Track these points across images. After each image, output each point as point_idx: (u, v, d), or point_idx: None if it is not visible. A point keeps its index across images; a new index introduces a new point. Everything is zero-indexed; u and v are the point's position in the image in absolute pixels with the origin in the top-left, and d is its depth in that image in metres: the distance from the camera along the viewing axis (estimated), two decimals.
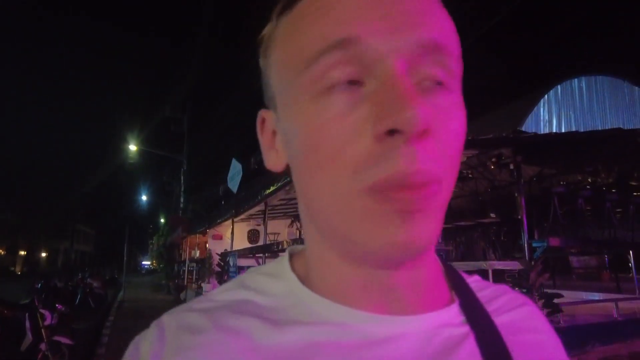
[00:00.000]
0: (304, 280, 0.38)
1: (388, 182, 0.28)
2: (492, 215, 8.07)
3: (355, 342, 0.32)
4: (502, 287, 0.43)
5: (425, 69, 0.30)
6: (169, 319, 0.37)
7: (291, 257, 0.42)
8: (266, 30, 0.37)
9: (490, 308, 0.38)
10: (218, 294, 0.39)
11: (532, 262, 4.64)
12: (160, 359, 0.33)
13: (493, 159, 5.18)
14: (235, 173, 9.43)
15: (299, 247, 0.43)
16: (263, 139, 0.40)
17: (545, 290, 4.57)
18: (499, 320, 0.36)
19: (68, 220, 45.58)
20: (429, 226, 0.30)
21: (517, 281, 4.75)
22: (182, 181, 22.25)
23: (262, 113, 0.40)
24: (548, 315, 4.37)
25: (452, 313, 0.36)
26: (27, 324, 4.92)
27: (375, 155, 0.28)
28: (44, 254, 42.09)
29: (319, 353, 0.32)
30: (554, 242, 4.78)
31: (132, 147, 21.43)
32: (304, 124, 0.31)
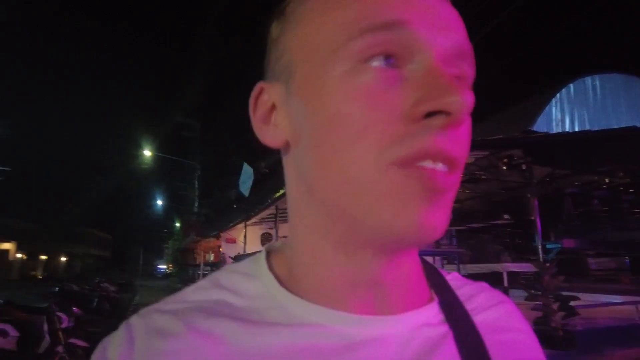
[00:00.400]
0: (282, 280, 0.36)
1: (421, 154, 0.28)
2: (506, 216, 7.96)
3: (335, 345, 0.32)
4: (481, 285, 0.42)
5: (451, 68, 0.31)
6: (137, 321, 0.35)
7: (269, 255, 0.40)
8: (290, 1, 0.36)
9: (469, 306, 0.37)
10: (190, 293, 0.38)
11: (547, 264, 4.57)
12: None
13: (504, 160, 5.12)
14: (246, 177, 9.51)
15: (277, 244, 0.42)
16: (258, 112, 0.37)
17: (561, 292, 4.49)
18: (478, 318, 0.36)
19: (85, 226, 46.52)
20: (448, 213, 0.30)
21: (531, 283, 4.68)
22: (195, 185, 22.49)
23: (260, 85, 0.37)
24: (563, 318, 4.30)
25: (432, 312, 0.36)
26: (45, 327, 5.05)
27: (409, 133, 0.29)
28: (63, 259, 42.94)
29: (298, 357, 0.31)
30: (569, 243, 4.71)
31: (147, 153, 21.79)
32: (335, 98, 0.30)
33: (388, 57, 0.30)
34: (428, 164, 0.29)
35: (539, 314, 4.38)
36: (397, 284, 0.35)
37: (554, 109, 10.34)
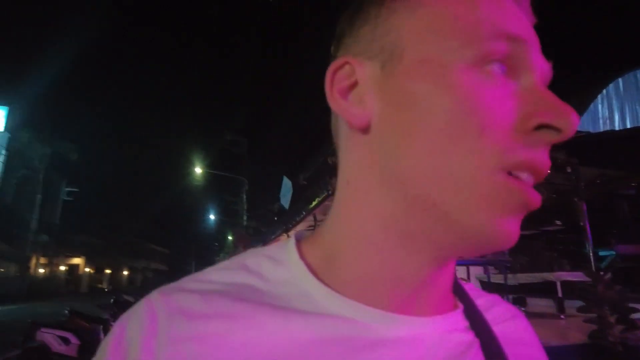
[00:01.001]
0: (313, 268, 0.35)
1: (524, 164, 0.29)
2: (557, 222, 7.49)
3: (365, 340, 0.31)
4: (494, 297, 0.43)
5: None
6: (161, 300, 0.33)
7: (298, 242, 0.38)
8: None
9: (487, 316, 0.37)
10: (215, 273, 0.36)
11: (600, 273, 4.25)
12: (154, 347, 0.30)
13: None
14: (286, 190, 9.72)
15: (307, 232, 0.41)
16: (336, 85, 0.35)
17: (620, 304, 4.15)
18: (496, 329, 0.36)
19: (145, 241, 49.38)
20: None
21: (583, 294, 4.35)
22: (244, 200, 23.18)
23: (345, 59, 0.35)
24: (622, 332, 3.95)
25: (459, 318, 0.35)
26: (102, 335, 5.44)
27: (519, 143, 0.29)
28: (125, 272, 45.76)
29: (327, 349, 0.30)
30: (624, 249, 4.35)
31: (198, 170, 22.84)
32: (460, 90, 0.30)
33: (503, 67, 0.31)
34: (524, 175, 0.30)
35: (594, 326, 4.07)
36: (439, 287, 0.35)
37: (599, 106, 9.62)
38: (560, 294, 7.24)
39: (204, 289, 0.34)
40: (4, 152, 22.32)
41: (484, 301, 0.40)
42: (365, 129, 0.34)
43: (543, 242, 8.36)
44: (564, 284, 6.94)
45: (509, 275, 8.77)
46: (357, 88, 0.35)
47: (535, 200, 0.30)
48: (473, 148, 0.29)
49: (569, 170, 4.65)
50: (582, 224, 4.53)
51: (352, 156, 0.36)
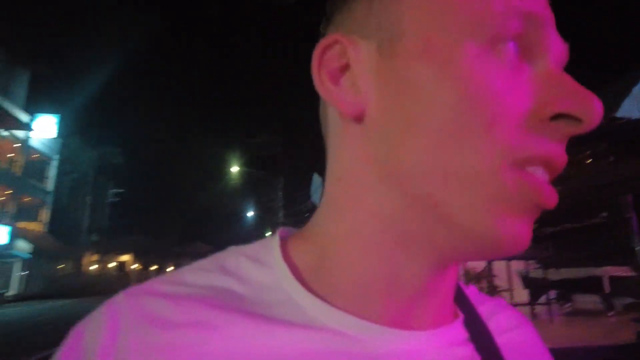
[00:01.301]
0: (300, 271, 0.31)
1: (537, 158, 0.26)
2: (603, 214, 7.10)
3: (356, 356, 0.28)
4: (499, 302, 0.39)
5: None
6: (126, 303, 0.30)
7: (284, 241, 0.34)
8: None
9: (491, 326, 0.34)
10: (190, 274, 0.32)
11: None
12: (113, 356, 0.27)
13: (587, 153, 4.63)
14: (317, 187, 9.81)
15: (293, 229, 0.37)
16: (325, 68, 0.31)
17: None
18: (500, 340, 0.34)
19: (189, 239, 51.41)
20: None
21: (632, 290, 4.12)
22: (280, 197, 23.58)
23: (335, 37, 0.31)
24: None
25: (458, 330, 0.32)
26: None
27: (532, 134, 0.26)
28: (171, 268, 47.71)
29: None
30: None
31: (236, 169, 23.48)
32: (470, 76, 0.26)
33: (516, 47, 0.27)
34: (538, 171, 0.27)
35: None
36: (438, 296, 0.32)
37: None
38: (607, 290, 6.84)
39: (176, 292, 0.30)
40: (57, 157, 23.90)
41: (487, 308, 0.37)
42: (359, 119, 0.30)
43: (588, 236, 7.95)
44: (611, 279, 6.57)
45: (552, 270, 8.38)
46: (350, 71, 0.30)
47: (551, 198, 0.27)
48: (482, 142, 0.26)
49: (611, 159, 4.40)
50: (628, 216, 4.28)
51: (344, 150, 0.32)
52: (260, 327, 0.28)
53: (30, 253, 20.53)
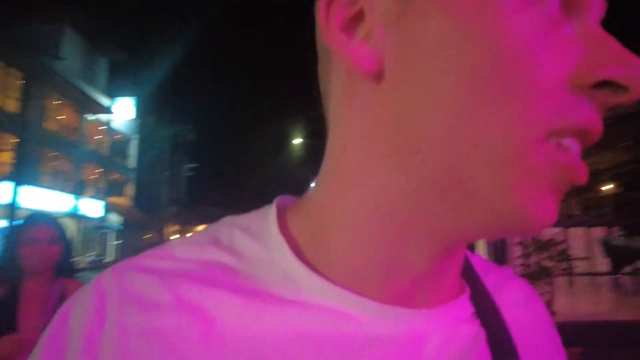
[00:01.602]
0: (298, 244, 0.29)
1: (572, 129, 0.23)
2: None
3: (356, 337, 0.26)
4: (505, 274, 0.37)
5: None
6: (112, 282, 0.28)
7: (280, 212, 0.32)
8: None
9: (497, 299, 0.33)
10: (181, 247, 0.31)
11: None
12: (99, 341, 0.26)
13: None
14: None
15: (292, 198, 0.34)
16: (334, 17, 0.27)
17: None
18: (508, 315, 0.32)
19: (257, 208, 53.79)
20: None
21: None
22: None
23: None
24: None
25: (464, 306, 0.30)
26: None
27: (570, 102, 0.23)
28: None
29: (312, 346, 0.26)
30: None
31: (299, 141, 23.97)
32: (499, 30, 0.23)
33: (563, 6, 0.24)
34: (572, 144, 0.24)
35: None
36: (447, 273, 0.30)
37: None
38: None
39: (166, 267, 0.29)
40: (136, 137, 25.99)
41: (494, 279, 0.35)
42: (373, 75, 0.26)
43: None
44: None
45: (638, 238, 7.55)
46: (363, 21, 0.26)
47: (583, 175, 0.24)
48: (514, 111, 0.22)
49: None
50: None
51: (351, 112, 0.28)
52: (252, 307, 0.27)
53: (121, 224, 23.03)
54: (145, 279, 0.28)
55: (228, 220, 0.33)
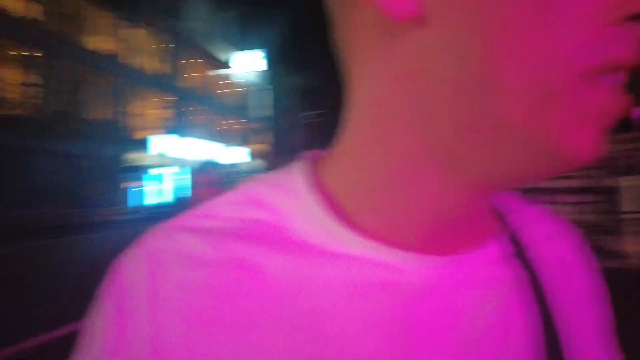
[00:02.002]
0: (330, 199, 0.29)
1: (610, 65, 0.22)
2: None
3: (404, 284, 0.27)
4: (541, 209, 0.36)
5: None
6: (159, 242, 0.29)
7: (312, 166, 0.31)
8: None
9: (534, 238, 0.32)
10: (221, 207, 0.31)
11: None
12: (148, 300, 0.27)
13: None
14: None
15: (322, 153, 0.33)
16: None
17: None
18: (544, 256, 0.32)
19: None
20: None
21: None
22: None
23: None
24: None
25: (499, 248, 0.30)
26: None
27: (606, 37, 0.22)
28: None
29: (358, 296, 0.26)
30: None
31: None
32: None
33: None
34: (613, 78, 0.23)
35: None
36: (478, 217, 0.30)
37: None
38: None
39: (210, 227, 0.29)
40: (269, 87, 27.77)
41: (528, 215, 0.34)
42: (415, 21, 0.23)
43: None
44: None
45: None
46: None
47: (621, 108, 0.24)
48: (559, 49, 0.22)
49: None
50: None
51: (387, 64, 0.25)
52: (297, 260, 0.27)
53: (265, 169, 25.57)
54: (192, 237, 0.28)
55: (259, 177, 0.33)
